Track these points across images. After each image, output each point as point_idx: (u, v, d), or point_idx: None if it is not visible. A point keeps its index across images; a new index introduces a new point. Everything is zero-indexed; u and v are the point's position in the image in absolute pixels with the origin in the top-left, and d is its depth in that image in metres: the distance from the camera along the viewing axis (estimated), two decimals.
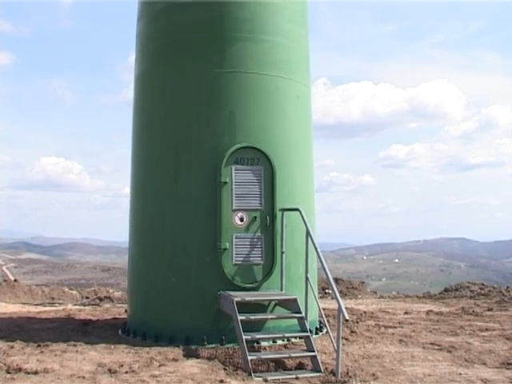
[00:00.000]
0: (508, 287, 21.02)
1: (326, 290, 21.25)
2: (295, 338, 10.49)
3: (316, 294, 10.89)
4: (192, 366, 9.04)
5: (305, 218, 10.43)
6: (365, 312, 15.32)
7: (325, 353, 10.00)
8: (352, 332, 11.91)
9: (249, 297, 10.18)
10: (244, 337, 9.21)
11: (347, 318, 8.71)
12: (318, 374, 8.74)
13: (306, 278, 10.38)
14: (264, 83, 11.37)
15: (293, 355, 9.37)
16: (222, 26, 11.35)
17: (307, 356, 9.31)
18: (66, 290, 24.20)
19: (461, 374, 8.76)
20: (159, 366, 8.94)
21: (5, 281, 26.06)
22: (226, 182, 10.79)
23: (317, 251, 10.05)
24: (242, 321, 9.47)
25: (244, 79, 11.27)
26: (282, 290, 10.96)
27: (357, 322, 13.24)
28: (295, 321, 10.06)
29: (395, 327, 12.85)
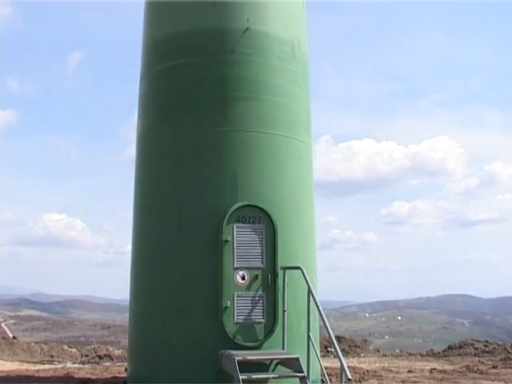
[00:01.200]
0: None
1: (329, 349, 21.05)
2: None
3: (318, 352, 10.81)
4: None
5: (307, 276, 10.44)
6: (368, 371, 15.18)
7: None
8: None
9: (250, 356, 10.11)
10: None
11: (350, 377, 8.65)
12: None
13: (308, 337, 10.33)
14: (266, 142, 11.52)
15: None
16: (224, 86, 11.57)
17: None
18: (66, 347, 23.98)
19: None
20: None
21: (3, 338, 25.86)
22: (227, 241, 10.82)
23: (319, 310, 10.03)
24: (243, 380, 9.40)
25: (246, 138, 11.42)
26: (283, 348, 10.88)
27: (359, 381, 13.12)
28: (297, 380, 9.98)
29: None
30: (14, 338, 25.11)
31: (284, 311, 10.95)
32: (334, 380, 12.34)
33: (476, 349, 21.13)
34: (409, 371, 15.49)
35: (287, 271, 11.03)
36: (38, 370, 15.94)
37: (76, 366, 18.23)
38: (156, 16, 12.87)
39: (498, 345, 21.51)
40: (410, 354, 21.62)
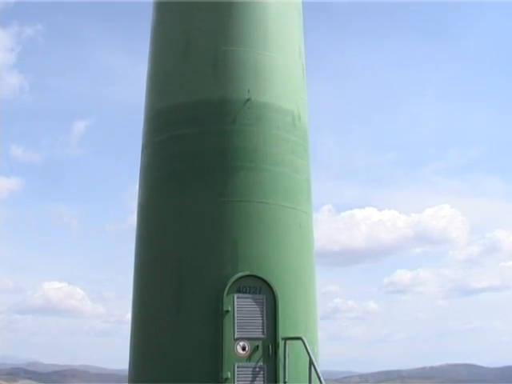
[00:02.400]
0: None
1: None
2: None
3: None
4: None
5: (308, 346, 10.35)
6: None
7: None
8: None
9: None
10: None
11: None
12: None
13: None
14: (266, 212, 11.57)
15: None
16: (225, 156, 11.70)
17: None
18: None
19: None
20: None
21: None
22: (228, 311, 10.77)
23: (320, 381, 9.91)
24: None
25: (246, 208, 11.48)
26: None
27: None
28: None
29: None
30: None
31: (285, 382, 10.81)
32: None
33: None
34: None
35: (288, 341, 10.93)
36: None
37: None
38: (158, 86, 13.12)
39: None
40: None
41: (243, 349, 10.77)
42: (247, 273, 11.00)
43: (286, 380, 10.85)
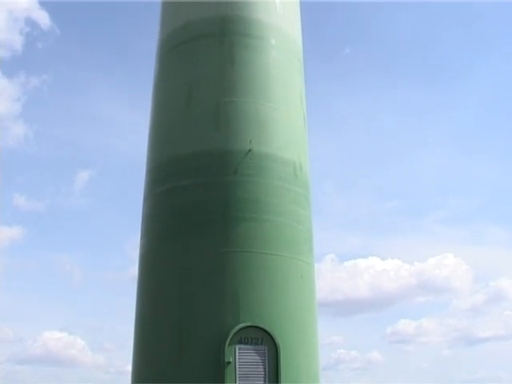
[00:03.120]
0: None
1: None
2: None
3: None
4: None
5: None
6: None
7: None
8: None
9: None
10: None
11: None
12: None
13: None
14: (268, 262, 11.58)
15: None
16: (227, 207, 11.75)
17: None
18: None
19: None
20: None
21: None
22: (229, 362, 10.70)
23: None
24: None
25: (248, 258, 11.49)
26: None
27: None
28: None
29: None
30: None
31: None
32: None
33: None
34: None
35: None
36: None
37: None
38: (160, 137, 13.26)
39: None
40: None
41: None
42: (249, 323, 10.97)
43: None
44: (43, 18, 44.65)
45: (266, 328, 11.01)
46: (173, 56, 13.45)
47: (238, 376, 10.73)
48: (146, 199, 13.06)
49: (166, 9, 14.45)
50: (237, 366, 10.75)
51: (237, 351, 10.82)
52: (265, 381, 10.88)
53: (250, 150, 12.00)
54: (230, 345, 10.78)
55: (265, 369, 10.91)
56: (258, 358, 10.92)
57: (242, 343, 10.89)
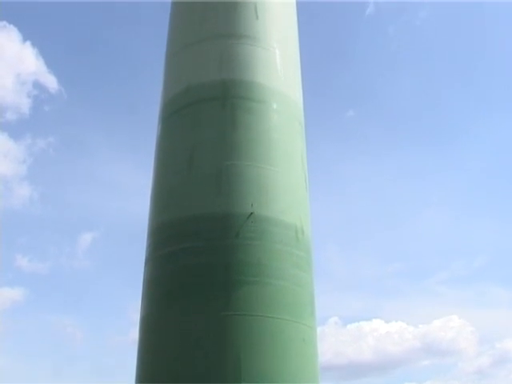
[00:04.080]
0: None
1: None
2: None
3: None
4: None
5: None
6: None
7: None
8: None
9: None
10: None
11: None
12: None
13: None
14: (269, 326, 11.53)
15: None
16: (228, 270, 11.76)
17: None
18: None
19: None
20: None
21: None
22: None
23: None
24: None
25: (249, 322, 11.45)
26: None
27: None
28: None
29: None
30: None
31: None
32: None
33: None
34: None
35: None
36: None
37: None
38: (161, 200, 13.40)
39: None
40: None
41: None
42: None
43: None
44: (51, 82, 45.73)
45: None
46: (175, 119, 13.68)
47: None
48: (147, 262, 13.07)
49: (168, 73, 14.76)
50: None
51: None
52: None
53: (251, 214, 12.07)
54: None
55: None
56: None
57: None
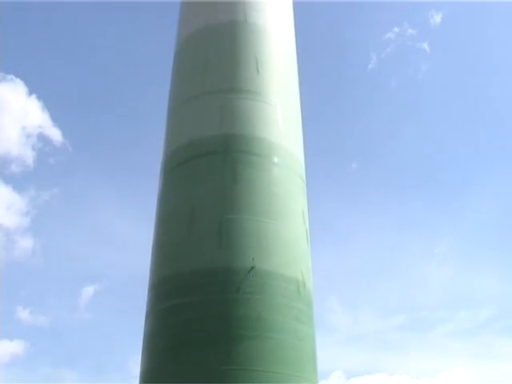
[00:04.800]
0: None
1: None
2: None
3: None
4: None
5: None
6: None
7: None
8: None
9: None
10: None
11: None
12: None
13: None
14: (270, 380, 11.58)
15: None
16: (229, 325, 11.80)
17: None
18: None
19: None
20: None
21: None
22: None
23: None
24: None
25: (250, 376, 11.49)
26: None
27: None
28: None
29: None
30: None
31: None
32: None
33: None
34: None
35: None
36: None
37: None
38: (163, 253, 13.52)
39: None
40: None
41: None
42: None
43: None
44: (56, 135, 46.06)
45: None
46: (176, 174, 13.81)
47: None
48: (147, 316, 13.09)
49: (170, 127, 14.98)
50: None
51: None
52: None
53: (252, 268, 12.11)
54: None
55: None
56: None
57: None
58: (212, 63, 14.68)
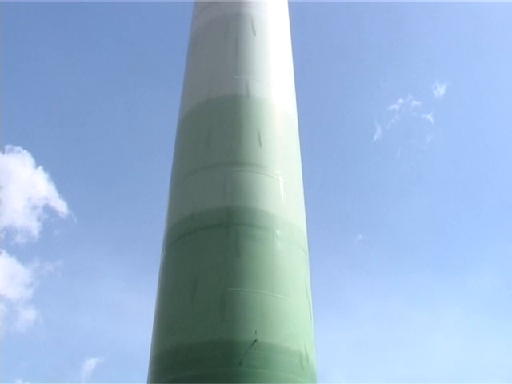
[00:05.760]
0: None
1: None
2: None
3: None
4: None
5: None
6: None
7: None
8: None
9: None
10: None
11: None
12: None
13: None
14: None
15: None
16: None
17: None
18: None
19: None
20: None
21: None
22: None
23: None
24: None
25: None
26: None
27: None
28: None
29: None
30: None
31: None
32: None
33: None
34: None
35: None
36: None
37: None
38: (165, 325, 13.42)
39: None
40: None
41: None
42: None
43: None
44: (61, 207, 46.40)
45: None
46: (179, 246, 13.91)
47: None
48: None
49: (174, 199, 15.16)
50: None
51: None
52: None
53: (255, 341, 12.07)
54: None
55: None
56: None
57: None
58: (215, 136, 14.91)
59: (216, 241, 13.39)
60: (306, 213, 15.29)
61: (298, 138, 16.42)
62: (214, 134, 14.99)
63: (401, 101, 58.33)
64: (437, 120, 51.27)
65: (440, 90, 51.00)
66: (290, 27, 18.47)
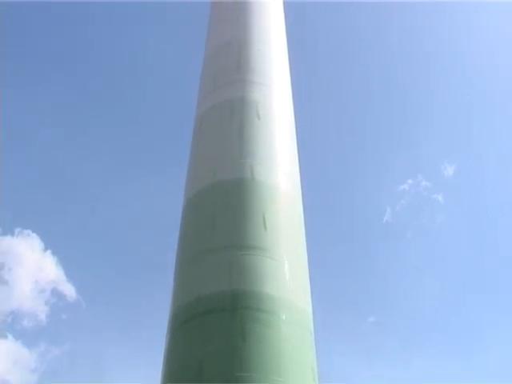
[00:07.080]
0: None
1: None
2: None
3: None
4: None
5: None
6: None
7: None
8: None
9: None
10: None
11: None
12: None
13: None
14: None
15: None
16: None
17: None
18: None
19: None
20: None
21: None
22: None
23: None
24: None
25: None
26: None
27: None
28: None
29: None
30: None
31: None
32: None
33: None
34: None
35: None
36: None
37: None
38: None
39: None
40: None
41: None
42: None
43: None
44: (69, 291, 46.44)
45: None
46: (183, 331, 13.88)
47: None
48: None
49: (178, 283, 15.22)
50: None
51: None
52: None
53: None
54: None
55: None
56: None
57: None
58: (219, 220, 15.03)
59: (221, 325, 13.36)
60: (312, 295, 15.31)
61: (302, 220, 16.56)
62: (219, 217, 15.14)
63: (410, 181, 58.92)
64: (446, 200, 51.58)
65: (449, 171, 51.53)
66: (294, 111, 18.81)
